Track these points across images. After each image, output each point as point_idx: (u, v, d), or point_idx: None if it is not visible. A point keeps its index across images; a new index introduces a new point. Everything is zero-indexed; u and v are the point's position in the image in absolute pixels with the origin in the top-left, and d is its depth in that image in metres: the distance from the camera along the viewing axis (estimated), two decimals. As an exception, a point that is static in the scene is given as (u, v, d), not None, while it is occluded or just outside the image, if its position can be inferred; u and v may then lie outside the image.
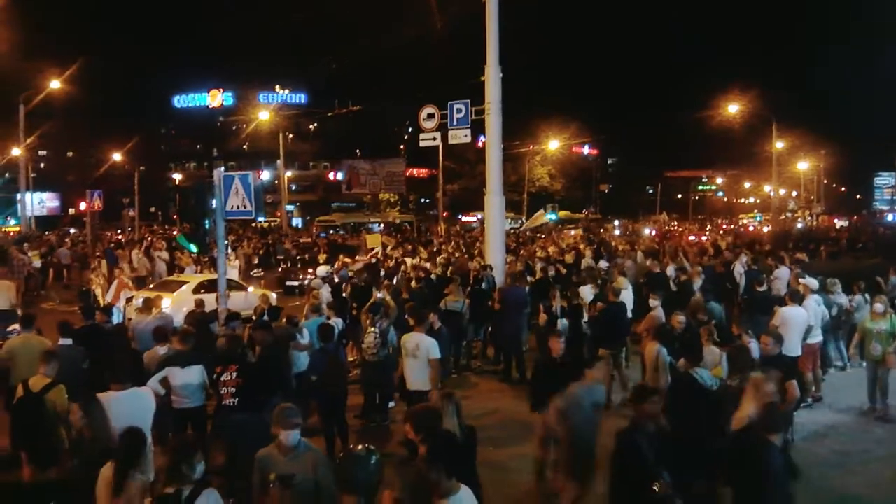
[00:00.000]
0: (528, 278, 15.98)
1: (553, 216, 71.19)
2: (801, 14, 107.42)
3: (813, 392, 11.06)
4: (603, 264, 18.87)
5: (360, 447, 4.79)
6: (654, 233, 45.01)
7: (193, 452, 4.64)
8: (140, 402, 6.24)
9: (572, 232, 46.24)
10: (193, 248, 20.70)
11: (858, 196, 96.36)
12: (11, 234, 39.94)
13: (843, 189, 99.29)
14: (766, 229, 52.25)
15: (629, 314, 12.57)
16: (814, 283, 12.24)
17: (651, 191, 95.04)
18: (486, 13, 16.32)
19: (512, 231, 44.48)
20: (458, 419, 5.60)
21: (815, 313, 11.24)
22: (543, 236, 41.16)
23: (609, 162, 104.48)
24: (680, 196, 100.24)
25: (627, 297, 12.74)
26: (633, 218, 69.20)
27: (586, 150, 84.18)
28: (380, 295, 12.48)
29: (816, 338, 11.24)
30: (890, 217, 62.79)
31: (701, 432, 6.43)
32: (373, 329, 10.12)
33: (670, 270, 16.59)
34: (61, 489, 5.84)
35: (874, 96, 64.95)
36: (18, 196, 44.65)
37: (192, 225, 25.14)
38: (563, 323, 11.84)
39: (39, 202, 55.65)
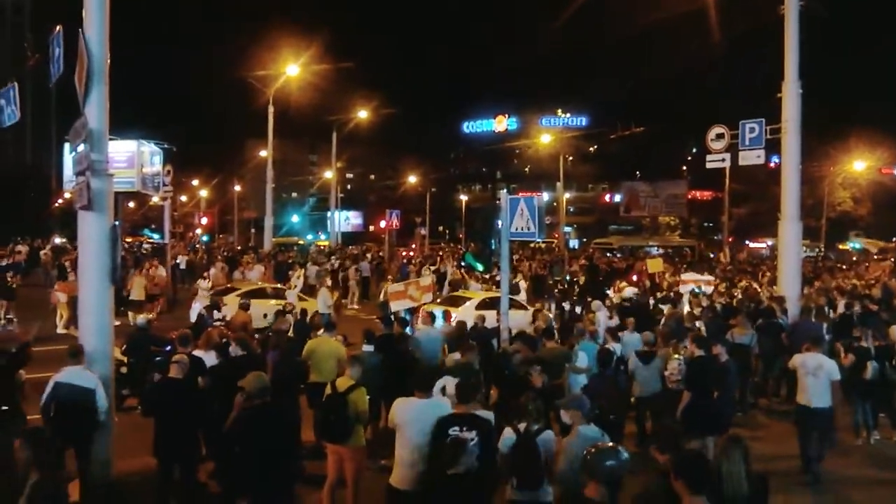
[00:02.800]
0: (829, 313, 14.57)
1: (857, 244, 63.96)
2: None
3: None
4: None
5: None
6: None
7: None
8: (438, 410, 6.25)
9: (882, 263, 41.07)
10: (480, 266, 21.74)
11: None
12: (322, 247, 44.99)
13: None
14: None
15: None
16: None
17: None
18: (785, 24, 15.30)
19: (808, 260, 40.73)
20: (744, 465, 5.15)
21: None
22: (846, 267, 37.15)
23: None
24: None
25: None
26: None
27: (899, 171, 74.54)
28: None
29: None
30: None
31: None
32: (677, 357, 9.96)
33: None
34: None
35: None
36: (328, 214, 50.37)
37: (479, 244, 26.47)
38: (873, 366, 10.61)
39: (345, 219, 62.18)
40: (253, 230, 66.61)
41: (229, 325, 13.00)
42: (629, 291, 19.52)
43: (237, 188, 70.73)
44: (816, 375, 9.03)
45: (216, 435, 7.87)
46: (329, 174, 50.02)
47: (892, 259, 46.70)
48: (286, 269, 25.91)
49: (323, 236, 64.86)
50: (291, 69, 35.61)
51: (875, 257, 49.79)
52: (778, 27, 15.62)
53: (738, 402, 11.51)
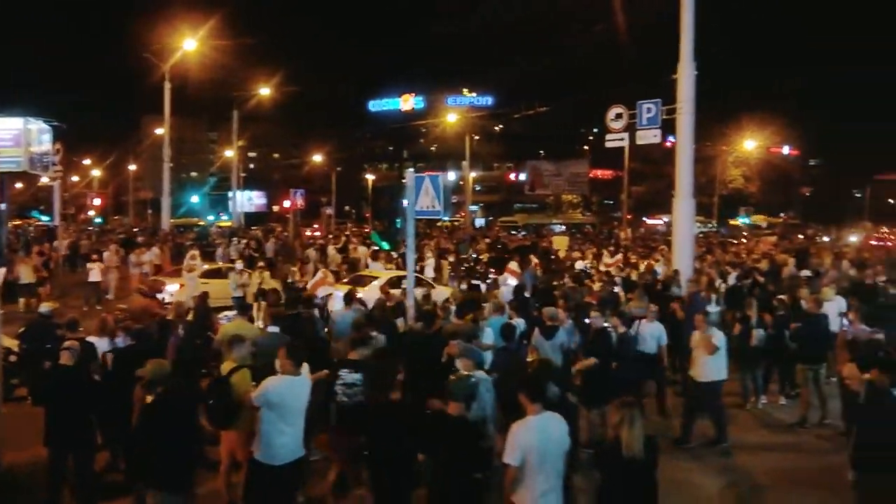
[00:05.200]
0: (721, 286, 15.30)
1: (747, 220, 67.32)
2: None
3: None
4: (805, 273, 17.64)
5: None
6: (860, 241, 41.29)
7: None
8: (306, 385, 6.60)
9: (770, 238, 43.41)
10: (385, 245, 21.67)
11: None
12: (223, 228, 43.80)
13: None
14: None
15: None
16: None
17: (859, 195, 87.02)
18: (681, 6, 15.78)
19: (701, 235, 42.56)
20: (641, 429, 5.40)
21: None
22: (736, 241, 39.04)
23: (811, 163, 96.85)
24: (893, 201, 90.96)
25: (832, 308, 11.79)
26: (836, 224, 63.80)
27: (786, 150, 78.66)
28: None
29: None
30: None
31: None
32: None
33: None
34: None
35: None
36: (230, 194, 49.08)
37: (384, 223, 26.33)
38: (759, 334, 11.23)
39: (248, 200, 60.68)
40: (150, 211, 64.19)
41: (127, 311, 12.49)
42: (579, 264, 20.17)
43: (132, 168, 67.87)
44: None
45: (111, 423, 7.61)
46: (230, 153, 48.70)
47: (779, 233, 49.49)
48: (184, 252, 25.10)
49: (225, 217, 63.16)
50: (189, 43, 34.30)
51: (764, 232, 52.57)
52: (675, 9, 16.10)
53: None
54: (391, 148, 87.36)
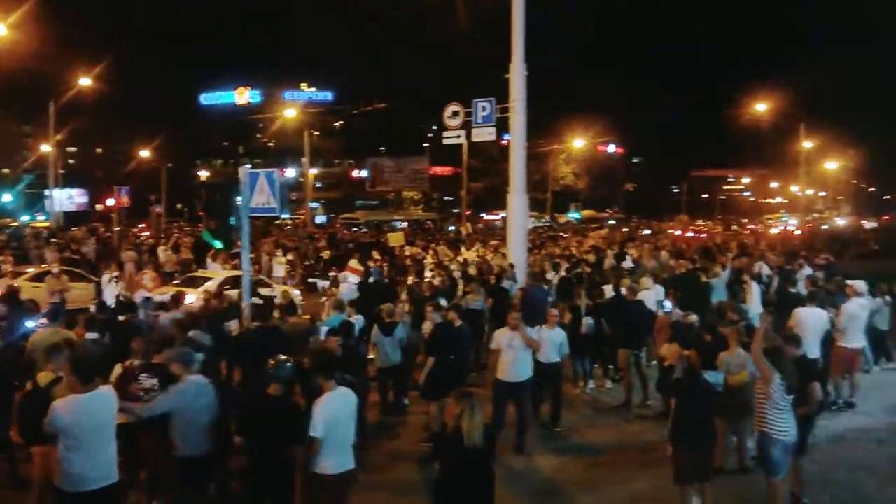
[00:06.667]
0: (556, 276, 15.98)
1: (577, 215, 70.94)
2: (830, 13, 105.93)
3: (847, 397, 10.93)
4: (627, 264, 18.78)
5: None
6: (678, 233, 44.69)
7: None
8: (104, 400, 5.75)
9: (598, 231, 45.98)
10: (218, 244, 20.85)
11: (888, 196, 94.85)
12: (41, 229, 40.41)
13: (872, 189, 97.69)
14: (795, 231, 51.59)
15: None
16: (861, 285, 11.78)
17: (677, 190, 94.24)
18: (513, 10, 16.26)
19: (536, 230, 44.34)
20: (478, 418, 5.55)
21: (854, 316, 10.97)
22: (567, 235, 40.99)
23: (634, 161, 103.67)
24: (706, 196, 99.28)
25: (650, 296, 12.63)
26: (658, 217, 68.69)
27: (611, 148, 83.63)
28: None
29: (857, 342, 11.04)
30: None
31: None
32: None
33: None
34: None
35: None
36: (47, 192, 45.34)
37: (217, 221, 25.30)
38: (588, 322, 11.84)
39: (68, 198, 56.31)
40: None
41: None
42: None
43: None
44: (513, 346, 9.22)
45: None
46: (47, 147, 44.97)
47: (606, 228, 52.53)
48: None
49: (42, 217, 58.27)
50: (-3, 28, 31.25)
51: (592, 226, 55.58)
52: (507, 10, 16.55)
53: (473, 363, 12.26)
54: (226, 143, 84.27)
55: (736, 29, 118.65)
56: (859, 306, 11.18)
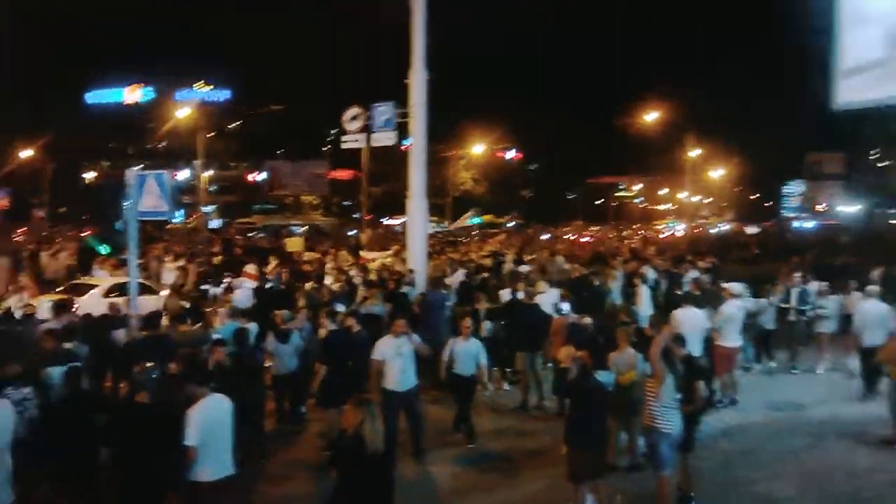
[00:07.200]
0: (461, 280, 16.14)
1: (477, 220, 71.78)
2: (715, 27, 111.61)
3: (729, 394, 11.47)
4: (525, 268, 19.10)
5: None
6: (573, 238, 45.95)
7: None
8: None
9: (497, 237, 46.67)
10: (104, 249, 19.96)
11: (769, 203, 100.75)
12: None
13: (753, 196, 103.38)
14: (680, 234, 54.01)
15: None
16: (737, 287, 12.40)
17: (573, 196, 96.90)
18: (413, 14, 16.28)
19: (436, 235, 44.58)
20: (378, 425, 5.51)
21: (731, 317, 11.51)
22: (466, 240, 41.41)
23: (532, 167, 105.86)
24: (600, 202, 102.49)
25: (547, 300, 12.89)
26: (554, 223, 70.39)
27: (510, 154, 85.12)
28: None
29: (734, 341, 11.59)
30: (796, 224, 65.74)
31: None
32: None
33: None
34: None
35: (784, 106, 68.04)
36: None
37: (104, 225, 24.19)
38: (487, 326, 11.98)
39: (-60, 199, 52.64)
40: None
41: None
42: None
43: None
44: (402, 354, 9.10)
45: None
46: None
47: (505, 233, 53.42)
48: None
49: None
50: None
51: (491, 231, 56.38)
52: (407, 14, 16.56)
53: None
54: (115, 144, 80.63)
55: (629, 41, 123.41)
56: (736, 307, 11.73)
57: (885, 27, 3.97)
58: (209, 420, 6.03)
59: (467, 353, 9.91)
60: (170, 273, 22.19)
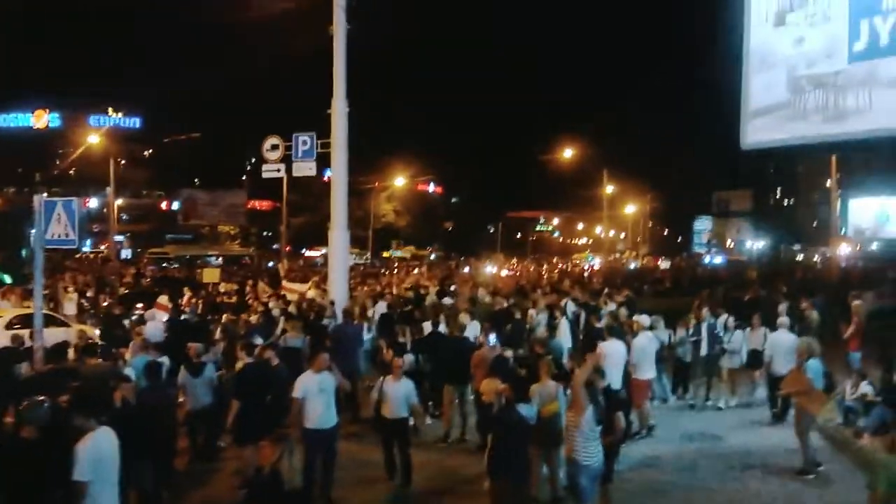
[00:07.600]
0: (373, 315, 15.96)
1: (397, 253, 71.76)
2: (627, 66, 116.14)
3: (645, 424, 11.67)
4: (447, 301, 19.14)
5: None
6: (495, 271, 46.40)
7: None
8: None
9: (421, 269, 46.76)
10: (7, 278, 19.01)
11: (679, 238, 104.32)
12: None
13: (666, 232, 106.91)
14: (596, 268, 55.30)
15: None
16: (645, 319, 12.65)
17: (493, 230, 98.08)
18: (334, 46, 16.32)
19: (359, 266, 44.32)
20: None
21: (644, 349, 11.76)
22: (387, 272, 41.30)
23: (453, 200, 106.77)
24: (520, 236, 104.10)
25: (469, 332, 12.91)
26: (475, 256, 70.99)
27: (431, 187, 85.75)
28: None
29: (649, 373, 11.83)
30: (707, 259, 68.06)
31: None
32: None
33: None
34: None
35: (696, 144, 70.99)
36: None
37: (6, 253, 23.04)
38: (409, 358, 11.85)
39: None
40: None
41: None
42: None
43: None
44: (324, 391, 8.55)
45: None
46: None
47: (426, 265, 53.56)
48: None
49: None
50: None
51: (413, 263, 56.44)
52: (329, 46, 16.58)
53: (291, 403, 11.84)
54: (21, 169, 77.17)
55: (549, 79, 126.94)
56: (647, 339, 11.99)
57: (787, 71, 4.21)
58: (100, 454, 5.89)
59: (398, 394, 9.21)
60: (70, 303, 21.26)
